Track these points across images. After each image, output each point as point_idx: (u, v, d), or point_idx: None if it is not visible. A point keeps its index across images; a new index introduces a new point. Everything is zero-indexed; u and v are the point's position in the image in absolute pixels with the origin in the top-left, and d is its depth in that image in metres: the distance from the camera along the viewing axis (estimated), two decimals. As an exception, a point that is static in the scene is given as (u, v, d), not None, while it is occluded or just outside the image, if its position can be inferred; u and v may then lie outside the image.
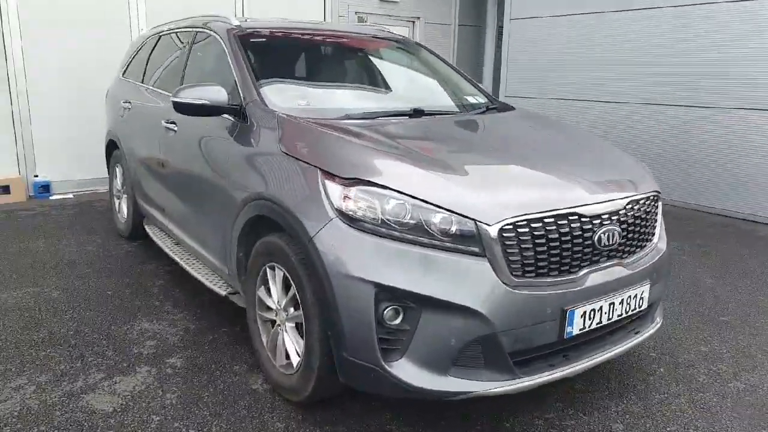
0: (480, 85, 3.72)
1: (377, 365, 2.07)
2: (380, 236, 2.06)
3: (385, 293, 2.03)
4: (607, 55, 7.01)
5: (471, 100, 3.48)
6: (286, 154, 2.46)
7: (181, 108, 2.83)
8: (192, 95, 2.79)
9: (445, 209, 2.05)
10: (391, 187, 2.11)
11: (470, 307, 2.00)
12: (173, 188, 3.55)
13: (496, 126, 3.11)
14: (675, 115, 6.43)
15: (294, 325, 2.49)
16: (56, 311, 3.41)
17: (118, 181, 4.86)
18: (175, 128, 3.41)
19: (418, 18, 9.18)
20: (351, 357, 2.12)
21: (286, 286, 2.46)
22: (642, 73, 6.66)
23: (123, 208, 4.77)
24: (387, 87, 3.38)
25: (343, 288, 2.08)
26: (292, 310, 2.47)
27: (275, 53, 3.37)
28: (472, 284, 2.01)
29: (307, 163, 2.33)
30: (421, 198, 2.07)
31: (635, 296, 2.39)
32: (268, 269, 2.56)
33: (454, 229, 2.04)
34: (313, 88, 3.23)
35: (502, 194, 2.17)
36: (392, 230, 2.06)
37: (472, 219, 2.03)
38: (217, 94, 2.81)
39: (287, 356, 2.52)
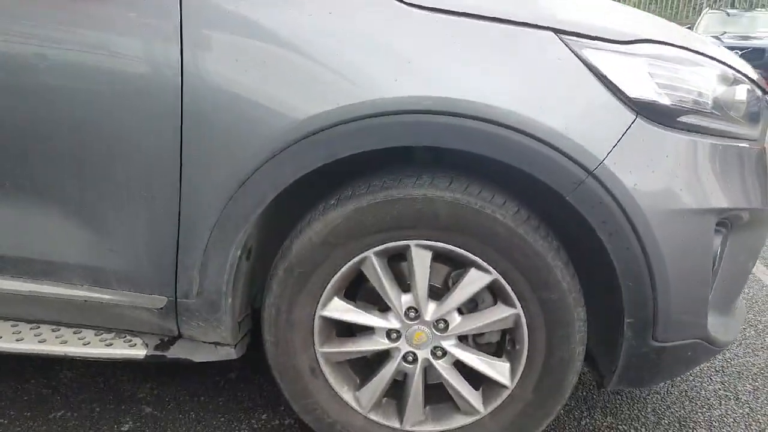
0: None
1: (703, 338, 1.31)
2: (708, 133, 1.23)
3: (720, 219, 1.26)
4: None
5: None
6: (430, 8, 1.15)
7: None
8: None
9: (743, 74, 1.34)
10: (693, 48, 1.25)
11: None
12: None
13: None
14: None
15: (455, 342, 1.33)
16: None
17: None
18: None
19: None
20: (663, 342, 1.27)
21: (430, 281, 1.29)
22: None
23: None
24: None
25: (669, 233, 1.18)
26: (456, 317, 1.30)
27: None
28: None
29: (513, 22, 1.15)
30: (721, 59, 1.30)
31: None
32: (374, 258, 1.26)
33: (753, 103, 1.37)
34: None
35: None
36: (716, 119, 1.25)
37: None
38: None
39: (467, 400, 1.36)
